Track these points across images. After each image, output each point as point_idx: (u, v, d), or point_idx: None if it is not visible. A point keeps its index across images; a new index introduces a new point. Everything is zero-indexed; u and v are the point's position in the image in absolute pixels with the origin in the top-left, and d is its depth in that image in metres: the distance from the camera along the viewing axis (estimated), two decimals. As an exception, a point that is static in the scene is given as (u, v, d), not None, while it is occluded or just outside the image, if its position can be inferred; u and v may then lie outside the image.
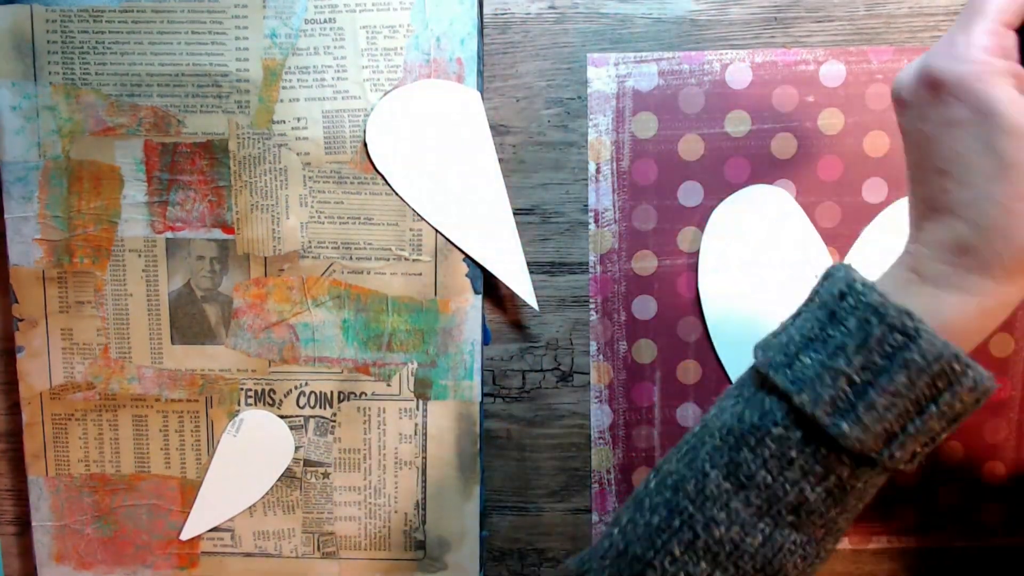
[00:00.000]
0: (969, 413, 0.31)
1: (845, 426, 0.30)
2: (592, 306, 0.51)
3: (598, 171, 0.50)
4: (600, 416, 0.51)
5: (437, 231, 0.49)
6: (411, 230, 0.50)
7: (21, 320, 0.50)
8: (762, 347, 0.34)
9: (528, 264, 0.50)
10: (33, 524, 0.52)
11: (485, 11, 0.49)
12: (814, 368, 0.31)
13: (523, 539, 0.54)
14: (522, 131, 0.50)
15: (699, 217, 0.50)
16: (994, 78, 0.29)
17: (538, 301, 0.51)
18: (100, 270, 0.50)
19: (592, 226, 0.50)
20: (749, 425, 0.33)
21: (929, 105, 0.30)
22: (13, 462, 0.54)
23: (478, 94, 0.48)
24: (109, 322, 0.50)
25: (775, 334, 0.34)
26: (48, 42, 0.48)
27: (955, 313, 0.30)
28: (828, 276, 0.34)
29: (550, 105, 0.50)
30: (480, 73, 0.49)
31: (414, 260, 0.50)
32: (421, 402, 0.51)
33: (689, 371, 0.51)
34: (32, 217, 0.49)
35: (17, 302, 0.50)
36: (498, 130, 0.50)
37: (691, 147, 0.49)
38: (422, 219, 0.49)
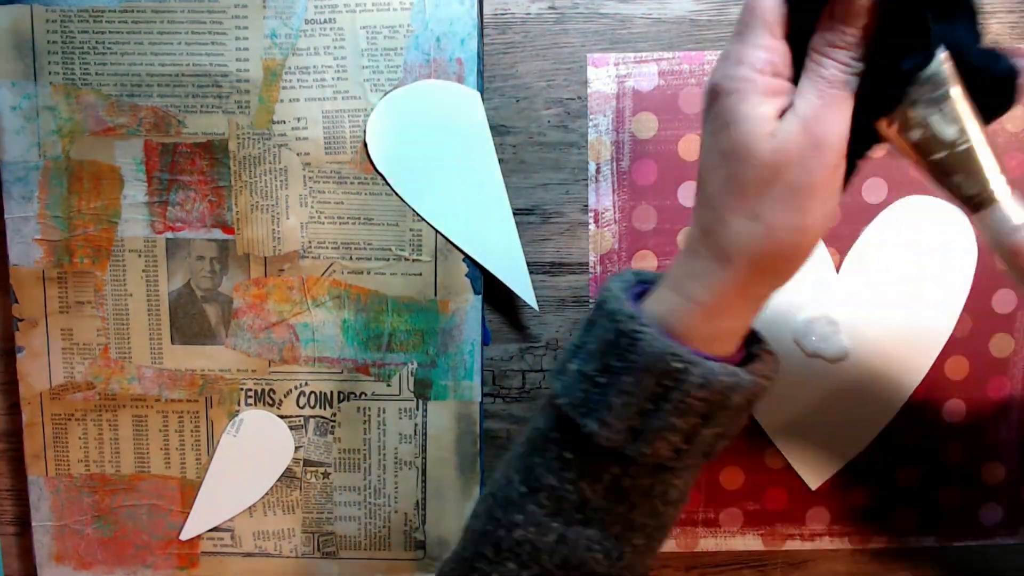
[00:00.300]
0: (730, 407, 0.32)
1: (593, 424, 0.33)
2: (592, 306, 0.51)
3: (598, 171, 0.50)
4: None
5: (437, 231, 0.49)
6: (411, 230, 0.50)
7: (21, 320, 0.50)
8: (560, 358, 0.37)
9: (528, 264, 0.50)
10: (33, 524, 0.52)
11: (485, 11, 0.49)
12: (573, 374, 0.34)
13: (523, 539, 0.54)
14: (522, 131, 0.50)
15: None
16: (748, 95, 0.30)
17: (538, 301, 0.51)
18: (100, 270, 0.50)
19: (592, 226, 0.50)
20: (539, 432, 0.35)
21: (705, 111, 0.32)
22: (13, 462, 0.53)
23: (478, 94, 0.48)
24: (109, 322, 0.50)
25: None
26: (48, 42, 0.48)
27: (688, 311, 0.32)
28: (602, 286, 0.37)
29: (550, 105, 0.50)
30: (480, 73, 0.49)
31: (414, 260, 0.50)
32: (421, 402, 0.51)
33: None
34: (32, 217, 0.49)
35: (17, 302, 0.50)
36: (498, 130, 0.50)
37: (692, 147, 0.49)
38: (422, 219, 0.49)
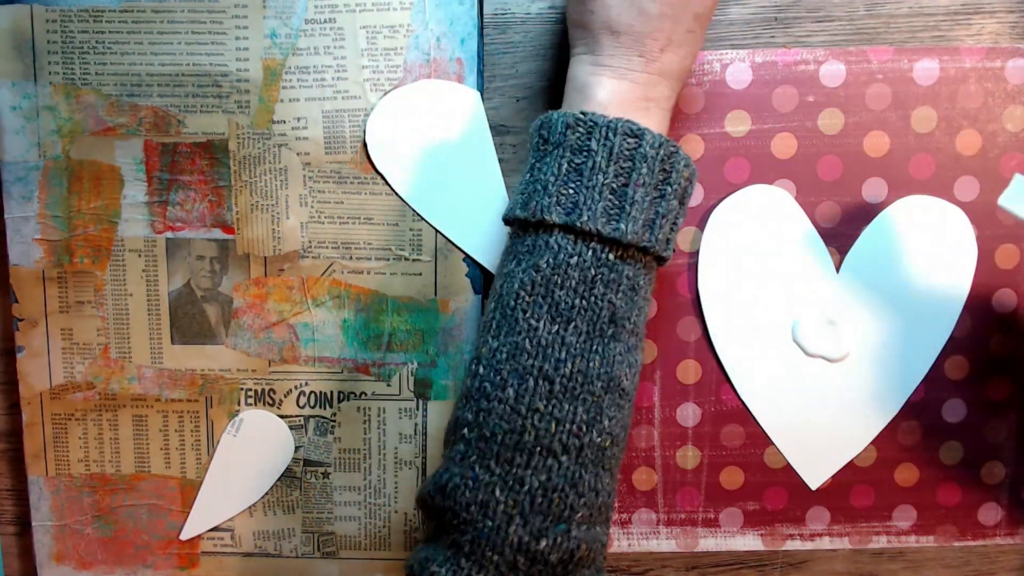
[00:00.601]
0: (689, 191, 0.40)
1: (622, 226, 0.37)
2: None
3: None
4: None
5: (437, 231, 0.49)
6: (411, 230, 0.50)
7: (21, 320, 0.50)
8: (521, 204, 0.39)
9: (528, 264, 0.50)
10: (33, 524, 0.52)
11: (485, 11, 0.49)
12: (581, 193, 0.37)
13: (523, 539, 0.54)
14: (522, 131, 0.50)
15: (699, 217, 0.50)
16: None
17: (538, 301, 0.51)
18: (100, 270, 0.50)
19: None
20: (549, 268, 0.37)
21: None
22: (13, 462, 0.54)
23: (478, 94, 0.48)
24: (109, 322, 0.50)
25: (523, 190, 0.39)
26: (48, 42, 0.48)
27: (639, 105, 0.39)
28: (545, 125, 0.39)
29: (550, 105, 0.50)
30: (480, 73, 0.49)
31: (414, 260, 0.50)
32: (421, 402, 0.51)
33: (689, 371, 0.51)
34: (32, 217, 0.49)
35: (17, 302, 0.50)
36: (498, 130, 0.50)
37: (691, 147, 0.49)
38: (422, 219, 0.49)
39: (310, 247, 0.50)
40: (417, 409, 0.51)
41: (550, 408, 0.36)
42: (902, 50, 0.48)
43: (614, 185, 0.37)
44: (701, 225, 0.49)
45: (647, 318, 0.40)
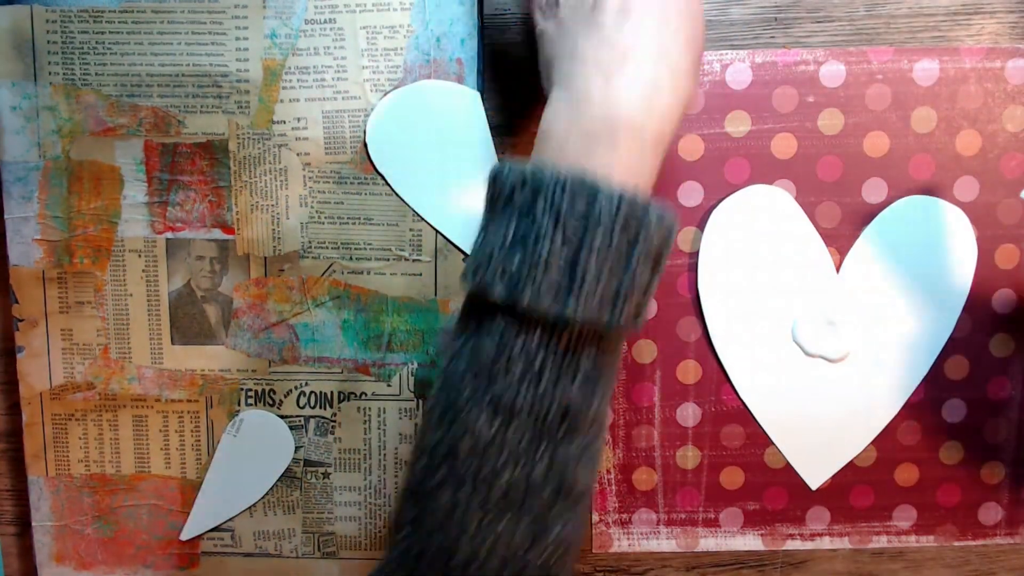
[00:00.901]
0: (666, 253, 0.33)
1: (571, 306, 0.31)
2: None
3: None
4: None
5: (437, 231, 0.49)
6: (411, 230, 0.50)
7: (21, 320, 0.50)
8: (470, 271, 0.33)
9: (528, 264, 0.50)
10: (33, 524, 0.52)
11: (485, 11, 0.49)
12: (524, 266, 0.31)
13: (523, 539, 0.54)
14: (522, 131, 0.50)
15: (699, 217, 0.50)
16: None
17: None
18: (100, 270, 0.50)
19: None
20: (491, 355, 0.32)
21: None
22: (13, 462, 0.53)
23: (478, 94, 0.48)
24: (109, 322, 0.50)
25: (473, 255, 0.33)
26: (48, 42, 0.48)
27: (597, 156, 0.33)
28: (495, 179, 0.34)
29: (550, 105, 0.50)
30: (480, 73, 0.49)
31: (414, 260, 0.50)
32: (421, 402, 0.51)
33: (689, 371, 0.51)
34: (32, 217, 0.49)
35: (17, 302, 0.50)
36: (498, 130, 0.50)
37: (691, 147, 0.49)
38: (422, 219, 0.49)
39: (310, 247, 0.50)
40: (417, 409, 0.51)
41: (486, 522, 0.31)
42: (902, 50, 0.48)
43: (564, 255, 0.31)
44: (701, 225, 0.49)
45: (647, 318, 0.37)
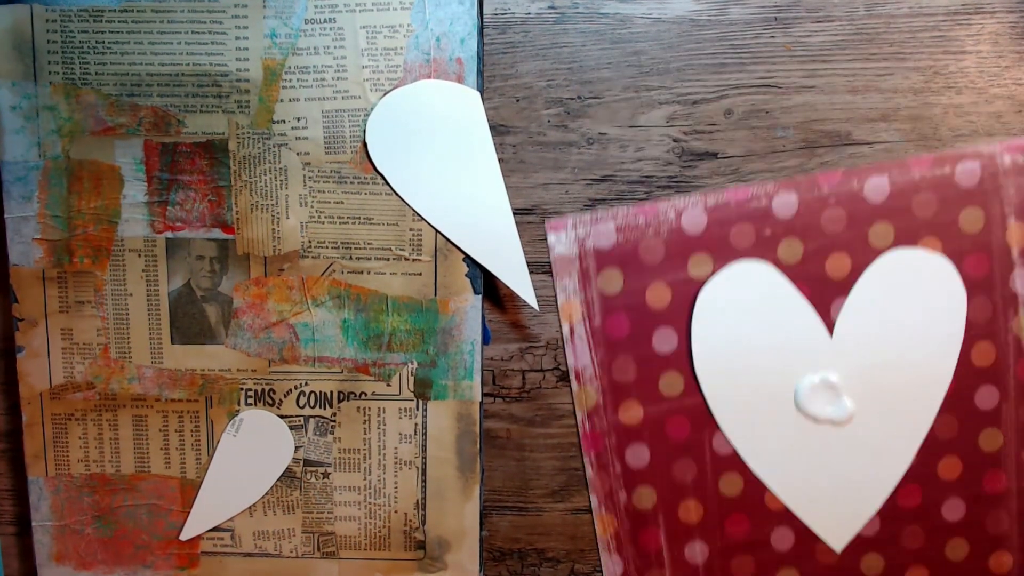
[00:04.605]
0: None
1: None
2: (587, 461, 0.51)
3: (572, 332, 0.50)
4: (611, 566, 0.52)
5: (437, 231, 0.49)
6: (411, 230, 0.50)
7: (21, 320, 0.50)
8: None
9: (528, 264, 0.50)
10: (33, 524, 0.52)
11: (485, 11, 0.49)
12: None
13: (523, 539, 0.54)
14: (522, 131, 0.50)
15: (678, 361, 0.50)
16: None
17: (538, 301, 0.51)
18: (100, 270, 0.50)
19: (575, 385, 0.51)
20: None
21: None
22: (13, 462, 0.54)
23: (478, 94, 0.48)
24: (109, 322, 0.50)
25: None
26: (48, 42, 0.48)
27: None
28: None
29: (550, 105, 0.50)
30: (480, 73, 0.49)
31: (414, 260, 0.50)
32: (421, 402, 0.51)
33: (691, 510, 0.51)
34: (32, 217, 0.49)
35: (17, 302, 0.50)
36: (498, 130, 0.50)
37: (659, 295, 0.49)
38: (422, 219, 0.49)
39: (310, 247, 0.50)
40: (417, 409, 0.51)
41: None
42: (850, 171, 0.49)
43: None
44: (680, 368, 0.50)
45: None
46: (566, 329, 0.50)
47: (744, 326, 0.49)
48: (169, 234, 0.50)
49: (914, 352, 0.49)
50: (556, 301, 0.49)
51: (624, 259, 0.49)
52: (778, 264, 0.49)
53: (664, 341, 0.50)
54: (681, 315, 0.49)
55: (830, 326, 0.49)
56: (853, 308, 0.49)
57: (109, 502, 0.52)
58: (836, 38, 0.49)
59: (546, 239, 0.51)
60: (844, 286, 0.49)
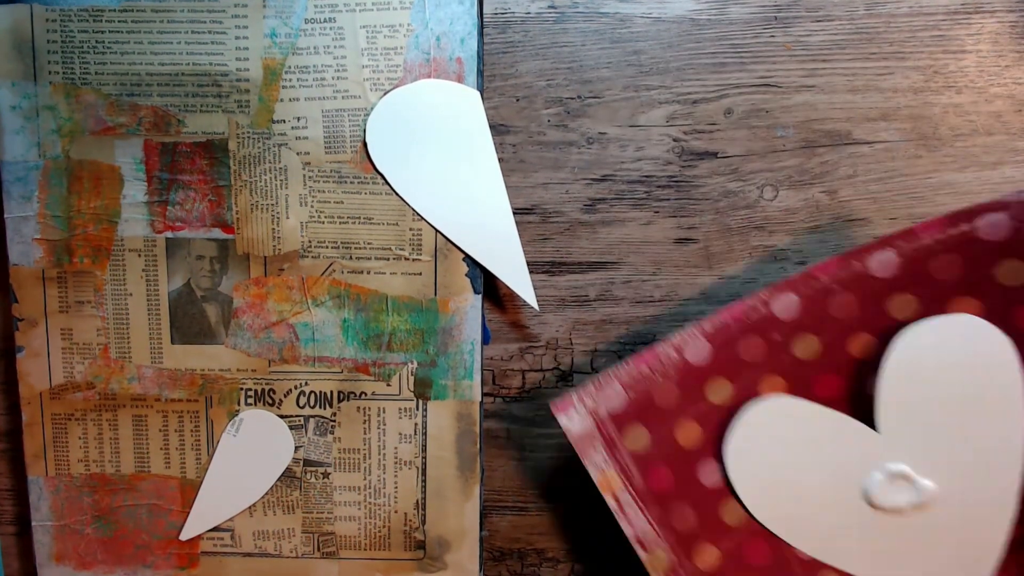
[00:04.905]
0: None
1: None
2: None
3: (619, 504, 0.47)
4: None
5: (437, 231, 0.49)
6: (411, 230, 0.50)
7: (21, 320, 0.50)
8: None
9: (528, 264, 0.50)
10: (33, 524, 0.52)
11: (485, 11, 0.49)
12: None
13: (523, 539, 0.54)
14: (522, 131, 0.50)
15: (731, 488, 0.48)
16: None
17: (538, 301, 0.51)
18: (100, 270, 0.50)
19: (642, 553, 0.47)
20: None
21: None
22: (13, 462, 0.54)
23: (478, 94, 0.48)
24: (109, 322, 0.50)
25: None
26: (48, 42, 0.48)
27: None
28: None
29: (550, 105, 0.50)
30: (480, 73, 0.49)
31: (414, 260, 0.50)
32: (421, 402, 0.51)
33: None
34: (32, 217, 0.49)
35: (17, 302, 0.50)
36: (498, 130, 0.50)
37: (688, 433, 0.47)
38: (422, 219, 0.49)
39: (310, 247, 0.50)
40: (417, 409, 0.51)
41: None
42: (847, 254, 0.46)
43: None
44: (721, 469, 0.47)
45: None
46: (612, 503, 0.46)
47: (787, 459, 0.47)
48: (169, 234, 0.50)
49: (973, 419, 0.46)
50: (592, 478, 0.46)
51: (642, 412, 0.47)
52: (796, 365, 0.46)
53: (711, 474, 0.47)
54: (716, 444, 0.47)
55: (870, 418, 0.46)
56: (890, 390, 0.46)
57: (109, 502, 0.52)
58: (836, 37, 0.49)
59: (547, 231, 0.51)
60: (874, 364, 0.46)
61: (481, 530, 0.52)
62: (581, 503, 0.53)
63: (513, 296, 0.51)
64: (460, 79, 0.48)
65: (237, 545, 0.52)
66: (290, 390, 0.51)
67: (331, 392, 0.51)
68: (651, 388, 0.47)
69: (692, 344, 0.47)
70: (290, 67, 0.48)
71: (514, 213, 0.49)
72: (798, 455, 0.47)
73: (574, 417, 0.47)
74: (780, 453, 0.47)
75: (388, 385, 0.51)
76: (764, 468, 0.47)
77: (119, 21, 0.48)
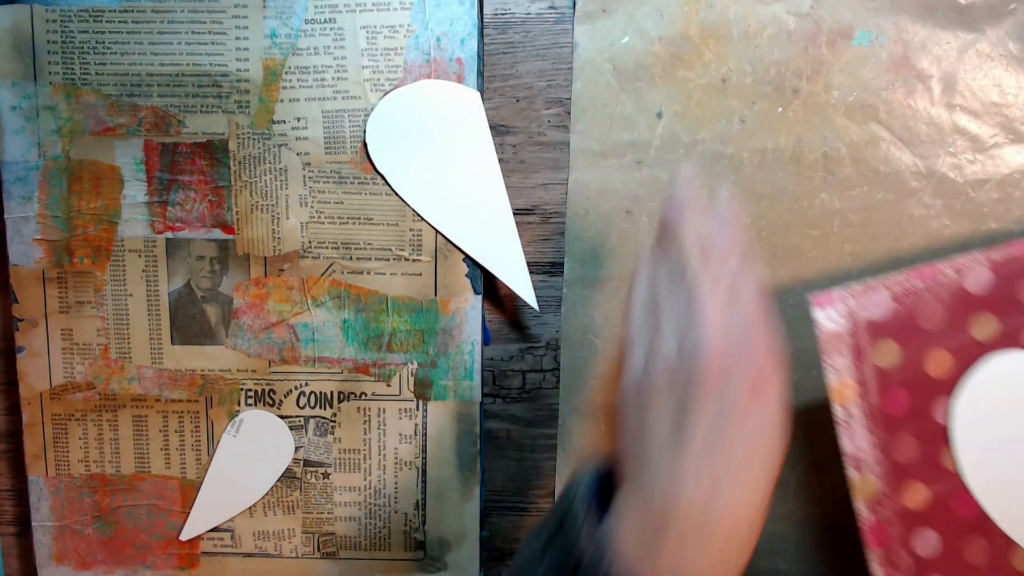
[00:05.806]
0: None
1: None
2: (873, 558, 0.45)
3: (848, 415, 0.45)
4: None
5: (437, 231, 0.49)
6: (411, 230, 0.50)
7: (21, 320, 0.50)
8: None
9: (528, 264, 0.50)
10: (33, 524, 0.52)
11: (485, 11, 0.49)
12: None
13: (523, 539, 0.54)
14: (522, 131, 0.50)
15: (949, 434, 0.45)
16: None
17: (538, 301, 0.51)
18: (100, 270, 0.50)
19: (854, 473, 0.45)
20: None
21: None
22: (13, 462, 0.54)
23: (478, 94, 0.48)
24: (109, 322, 0.50)
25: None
26: (48, 42, 0.48)
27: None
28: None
29: (550, 105, 0.50)
30: (480, 73, 0.49)
31: (414, 260, 0.50)
32: (421, 402, 0.51)
33: None
34: (32, 217, 0.49)
35: (17, 302, 0.50)
36: (498, 130, 0.50)
37: (939, 363, 0.45)
38: (422, 219, 0.49)
39: (310, 247, 0.50)
40: (417, 409, 0.51)
41: None
42: None
43: None
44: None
45: None
46: (840, 413, 0.44)
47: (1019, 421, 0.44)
48: (169, 234, 0.50)
49: None
50: (826, 382, 0.44)
51: (901, 329, 0.45)
52: None
53: (945, 412, 0.45)
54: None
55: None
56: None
57: (109, 502, 0.52)
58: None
59: (547, 231, 0.51)
60: None
61: (481, 530, 0.52)
62: (581, 503, 0.53)
63: (513, 296, 0.51)
64: (460, 80, 0.48)
65: (237, 545, 0.52)
66: (290, 390, 0.51)
67: (331, 392, 0.51)
68: (917, 306, 0.45)
69: (974, 270, 0.44)
70: (290, 67, 0.48)
71: (514, 213, 0.49)
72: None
73: (832, 315, 0.45)
74: (1015, 414, 0.44)
75: (388, 386, 0.51)
76: (991, 424, 0.45)
77: (119, 21, 0.48)
